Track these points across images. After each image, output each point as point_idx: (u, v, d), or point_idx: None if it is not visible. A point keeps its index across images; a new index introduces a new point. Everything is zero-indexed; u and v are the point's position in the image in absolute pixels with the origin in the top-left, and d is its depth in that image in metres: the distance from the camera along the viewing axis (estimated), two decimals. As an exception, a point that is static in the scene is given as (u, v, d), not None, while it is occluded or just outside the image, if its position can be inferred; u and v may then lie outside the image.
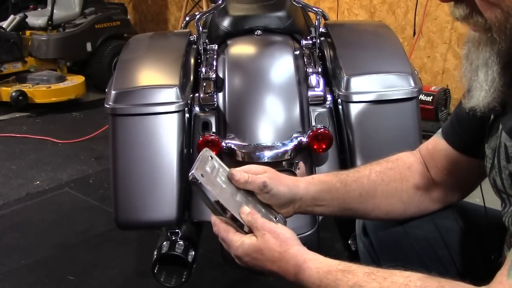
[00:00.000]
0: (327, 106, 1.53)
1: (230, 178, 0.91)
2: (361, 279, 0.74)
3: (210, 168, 0.90)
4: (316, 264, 0.79)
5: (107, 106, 1.43)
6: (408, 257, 1.05)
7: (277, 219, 0.92)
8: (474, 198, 1.07)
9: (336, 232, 1.59)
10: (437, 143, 1.03)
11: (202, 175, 0.86)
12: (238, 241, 0.86)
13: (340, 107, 1.48)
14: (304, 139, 1.38)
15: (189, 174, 0.86)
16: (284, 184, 0.94)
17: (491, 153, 0.87)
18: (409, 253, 1.06)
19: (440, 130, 1.04)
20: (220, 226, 0.88)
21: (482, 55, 0.75)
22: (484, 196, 0.98)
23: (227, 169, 0.93)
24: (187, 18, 1.95)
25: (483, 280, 0.70)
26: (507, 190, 0.84)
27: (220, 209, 0.88)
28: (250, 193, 0.92)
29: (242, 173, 0.91)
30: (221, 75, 1.54)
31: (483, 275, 0.71)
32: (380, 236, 1.09)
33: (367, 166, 1.04)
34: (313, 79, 1.54)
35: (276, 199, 0.93)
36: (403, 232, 1.07)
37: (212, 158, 0.92)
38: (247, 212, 0.87)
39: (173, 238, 1.44)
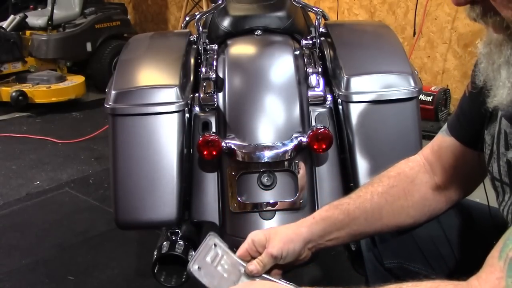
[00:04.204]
0: (327, 106, 1.53)
1: (250, 275, 0.92)
2: None
3: (211, 258, 0.91)
4: (311, 286, 0.80)
5: (107, 106, 1.43)
6: (411, 255, 1.06)
7: None
8: (474, 198, 1.08)
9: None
10: (442, 140, 1.03)
11: (199, 268, 0.88)
12: None
13: (340, 107, 1.48)
14: (304, 139, 1.38)
15: (187, 267, 0.89)
16: (289, 241, 0.96)
17: (490, 140, 0.87)
18: (412, 251, 1.06)
19: (443, 128, 1.04)
20: None
21: (504, 54, 0.75)
22: (487, 194, 0.98)
23: (232, 255, 0.94)
24: (187, 18, 1.95)
25: None
26: (502, 178, 0.84)
27: None
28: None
29: (257, 265, 0.93)
30: (221, 75, 1.54)
31: None
32: (384, 235, 1.09)
33: (368, 188, 1.03)
34: (313, 79, 1.53)
35: (290, 257, 0.96)
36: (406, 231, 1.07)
37: (216, 245, 0.94)
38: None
39: (173, 238, 1.44)
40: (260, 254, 0.95)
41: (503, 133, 0.82)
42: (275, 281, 0.92)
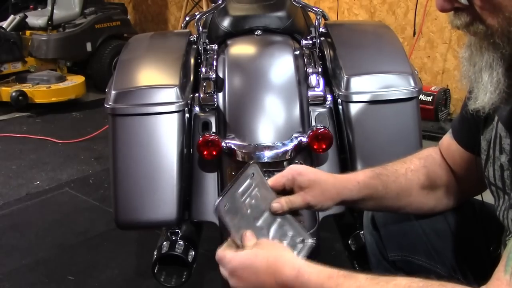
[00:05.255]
0: (327, 106, 1.53)
1: (273, 213, 0.91)
2: (363, 284, 0.73)
3: (243, 190, 0.89)
4: (315, 269, 0.78)
5: (107, 106, 1.43)
6: (415, 248, 1.06)
7: (305, 242, 0.90)
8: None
9: (336, 232, 1.59)
10: (450, 142, 1.04)
11: (226, 204, 0.85)
12: (232, 254, 0.84)
13: (340, 107, 1.48)
14: (304, 139, 1.38)
15: (215, 202, 0.86)
16: (329, 198, 0.96)
17: (486, 145, 0.88)
18: (417, 243, 1.07)
19: (450, 130, 1.05)
20: (218, 250, 0.87)
21: (486, 58, 0.75)
22: (483, 194, 0.99)
23: (266, 186, 0.92)
24: (187, 18, 1.95)
25: (487, 273, 0.70)
26: (496, 182, 0.85)
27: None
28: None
29: (283, 205, 0.92)
30: (221, 75, 1.54)
31: (488, 267, 0.71)
32: (389, 227, 1.10)
33: (403, 165, 1.05)
34: (313, 79, 1.53)
35: (320, 209, 0.98)
36: (412, 223, 1.08)
37: (253, 175, 0.91)
38: (247, 235, 0.86)
39: (173, 238, 1.44)
40: (292, 191, 0.95)
41: (499, 137, 0.82)
42: (296, 224, 0.91)
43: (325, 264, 0.79)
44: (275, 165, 1.37)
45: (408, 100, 1.45)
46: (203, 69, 1.56)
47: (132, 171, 1.39)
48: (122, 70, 1.57)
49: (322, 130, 1.38)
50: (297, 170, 0.97)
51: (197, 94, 1.54)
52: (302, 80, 1.53)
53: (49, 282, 1.96)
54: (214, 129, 1.49)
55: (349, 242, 1.46)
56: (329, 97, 1.54)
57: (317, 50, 1.69)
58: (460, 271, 1.04)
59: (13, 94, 3.80)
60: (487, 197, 1.02)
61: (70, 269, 2.03)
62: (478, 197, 1.07)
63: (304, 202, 0.94)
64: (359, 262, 1.43)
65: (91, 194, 2.67)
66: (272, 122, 1.44)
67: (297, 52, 1.62)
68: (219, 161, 1.43)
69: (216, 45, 1.69)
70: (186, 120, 1.45)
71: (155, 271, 1.40)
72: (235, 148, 1.38)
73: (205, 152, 1.38)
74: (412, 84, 1.45)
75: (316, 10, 1.75)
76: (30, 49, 4.20)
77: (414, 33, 3.52)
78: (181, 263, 1.40)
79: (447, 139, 1.05)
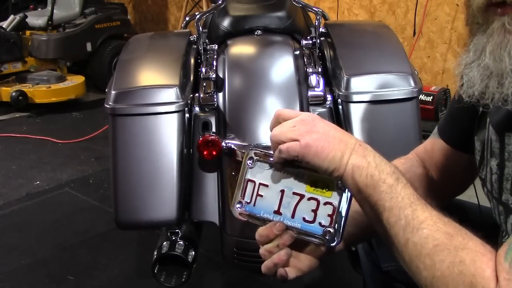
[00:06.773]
0: (327, 106, 1.53)
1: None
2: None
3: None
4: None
5: (107, 106, 1.43)
6: None
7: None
8: (473, 198, 1.08)
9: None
10: (434, 142, 1.03)
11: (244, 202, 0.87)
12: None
13: (340, 107, 1.48)
14: (304, 139, 1.38)
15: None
16: None
17: (480, 146, 0.87)
18: None
19: (434, 131, 1.04)
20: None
21: None
22: (478, 194, 0.99)
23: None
24: (187, 18, 1.95)
25: None
26: (487, 184, 0.84)
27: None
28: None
29: None
30: (221, 75, 1.54)
31: None
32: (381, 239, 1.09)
33: None
34: (313, 79, 1.53)
35: None
36: None
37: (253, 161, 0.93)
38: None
39: (173, 238, 1.44)
40: None
41: (490, 140, 0.82)
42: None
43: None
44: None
45: (408, 100, 1.45)
46: (203, 69, 1.56)
47: (132, 171, 1.39)
48: (122, 70, 1.57)
49: (322, 130, 1.38)
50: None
51: (197, 94, 1.54)
52: (302, 80, 1.53)
53: (49, 282, 1.96)
54: (214, 129, 1.49)
55: (349, 242, 1.46)
56: (329, 97, 1.54)
57: (317, 50, 1.69)
58: None
59: (13, 94, 3.81)
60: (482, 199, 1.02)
61: (70, 269, 2.03)
62: (471, 199, 1.07)
63: None
64: (358, 262, 1.43)
65: (91, 194, 2.67)
66: (272, 122, 1.44)
67: (297, 52, 1.62)
68: (219, 161, 1.43)
69: (216, 45, 1.69)
70: (186, 120, 1.45)
71: (155, 271, 1.40)
72: (235, 148, 1.38)
73: (205, 152, 1.38)
74: (412, 84, 1.45)
75: (316, 10, 1.75)
76: (30, 49, 4.21)
77: (414, 33, 3.53)
78: (181, 263, 1.40)
79: (431, 141, 1.04)
